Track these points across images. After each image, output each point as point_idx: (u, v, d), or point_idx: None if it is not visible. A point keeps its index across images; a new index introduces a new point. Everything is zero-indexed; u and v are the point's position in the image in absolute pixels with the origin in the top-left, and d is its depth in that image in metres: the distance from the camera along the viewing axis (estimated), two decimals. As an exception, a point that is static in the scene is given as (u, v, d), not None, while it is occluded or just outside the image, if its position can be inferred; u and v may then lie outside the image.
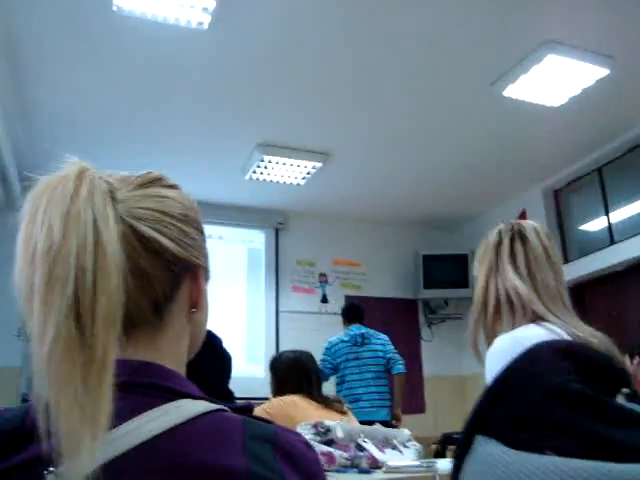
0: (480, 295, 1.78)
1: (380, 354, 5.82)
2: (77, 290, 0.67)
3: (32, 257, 0.68)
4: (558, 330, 1.57)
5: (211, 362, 3.61)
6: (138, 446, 0.71)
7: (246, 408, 0.89)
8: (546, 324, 1.60)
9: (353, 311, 6.21)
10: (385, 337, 5.97)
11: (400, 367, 5.82)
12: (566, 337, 1.55)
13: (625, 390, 0.62)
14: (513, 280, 1.71)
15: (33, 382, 0.66)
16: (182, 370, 0.91)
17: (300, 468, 0.80)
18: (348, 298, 8.15)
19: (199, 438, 0.76)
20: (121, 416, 0.72)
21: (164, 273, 0.84)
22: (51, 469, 0.67)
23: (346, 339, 5.89)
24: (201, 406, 0.79)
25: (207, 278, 0.97)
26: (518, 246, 1.78)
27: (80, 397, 0.65)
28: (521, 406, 0.59)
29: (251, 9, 4.31)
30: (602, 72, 5.05)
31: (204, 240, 0.96)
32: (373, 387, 5.71)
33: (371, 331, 5.95)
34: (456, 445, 0.62)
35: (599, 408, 0.56)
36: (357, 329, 5.95)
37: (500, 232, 1.84)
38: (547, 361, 0.62)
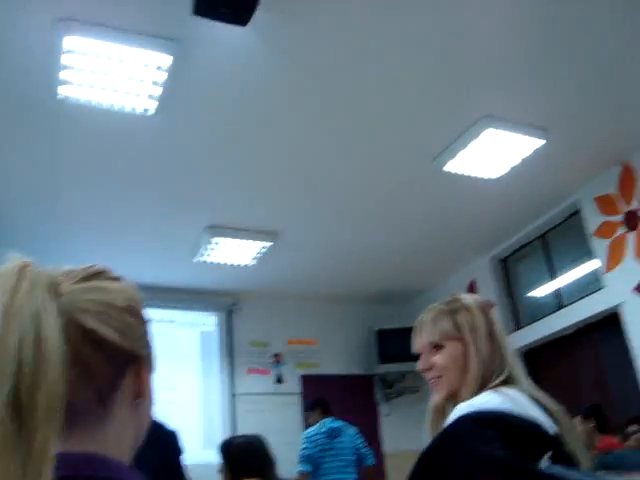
0: (443, 366, 1.83)
1: (350, 447, 6.09)
2: (17, 384, 0.66)
3: None
4: (513, 394, 1.59)
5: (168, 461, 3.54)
6: None
7: None
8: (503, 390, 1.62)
9: (322, 405, 6.34)
10: (354, 430, 6.19)
11: (370, 459, 6.14)
12: (524, 399, 1.56)
13: (548, 454, 0.64)
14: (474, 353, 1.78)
15: None
16: (126, 460, 0.89)
17: None
18: (304, 377, 8.10)
19: None
20: None
21: (107, 364, 0.85)
22: None
23: (323, 430, 6.10)
24: None
25: (151, 368, 0.97)
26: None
27: None
28: (450, 474, 0.60)
29: (196, 94, 4.40)
30: (538, 142, 5.24)
31: (147, 330, 0.96)
32: (347, 474, 6.01)
33: (342, 425, 6.17)
34: None
35: (520, 474, 0.58)
36: (330, 422, 6.16)
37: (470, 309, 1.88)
38: (473, 431, 0.63)
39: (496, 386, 1.65)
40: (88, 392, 0.83)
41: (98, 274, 0.92)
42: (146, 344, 0.94)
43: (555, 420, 1.56)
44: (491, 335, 1.78)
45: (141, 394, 0.93)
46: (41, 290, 0.74)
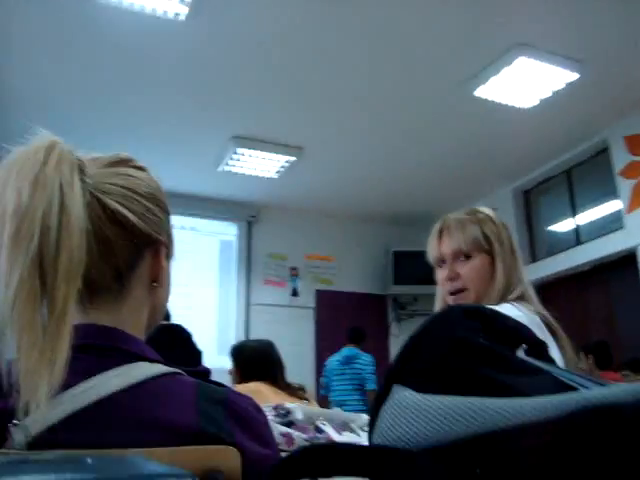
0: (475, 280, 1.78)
1: (359, 373, 6.61)
2: (41, 246, 0.73)
3: (1, 218, 0.74)
4: (526, 310, 1.62)
5: (184, 356, 3.65)
6: (97, 402, 0.76)
7: (202, 372, 0.95)
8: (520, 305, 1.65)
9: (350, 334, 6.82)
10: (368, 359, 6.67)
11: (371, 384, 6.57)
12: (535, 316, 1.60)
13: (524, 346, 0.69)
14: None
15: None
16: (141, 337, 0.96)
17: (249, 429, 0.86)
18: (318, 292, 8.22)
19: (154, 396, 0.82)
20: (82, 374, 0.78)
21: (127, 244, 0.90)
22: (15, 422, 0.73)
23: (337, 358, 6.69)
24: (157, 368, 0.85)
25: (169, 256, 1.03)
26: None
27: (39, 342, 0.71)
28: (431, 357, 0.66)
29: (230, 2, 4.34)
30: (572, 76, 5.15)
31: (168, 220, 1.01)
32: (354, 395, 6.59)
33: (357, 352, 6.66)
34: (376, 396, 0.69)
35: (499, 359, 0.63)
36: (347, 351, 6.66)
37: (501, 226, 1.84)
38: (455, 319, 0.69)
39: (513, 300, 1.67)
40: (107, 269, 0.89)
41: (124, 161, 0.97)
42: (165, 231, 0.99)
43: (561, 347, 1.61)
44: (513, 250, 1.77)
45: (157, 278, 0.98)
46: (69, 166, 0.81)
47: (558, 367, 0.66)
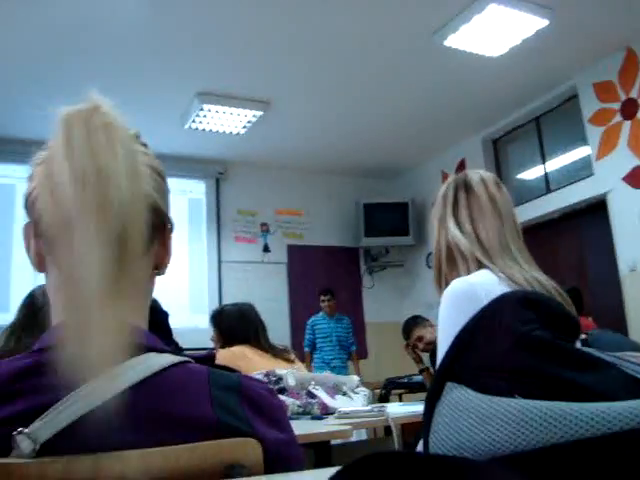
0: (434, 247, 1.81)
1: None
2: (123, 214, 0.70)
3: (81, 178, 0.69)
4: (503, 276, 1.62)
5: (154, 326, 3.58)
6: (109, 400, 0.72)
7: (208, 357, 0.91)
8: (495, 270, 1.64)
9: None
10: (347, 321, 7.43)
11: (354, 347, 7.47)
12: (510, 283, 1.59)
13: (582, 336, 0.66)
14: (454, 232, 1.74)
15: (71, 304, 0.70)
16: (146, 326, 0.91)
17: (266, 414, 0.83)
18: (290, 247, 8.21)
19: (167, 390, 0.78)
20: None
21: (148, 225, 0.84)
22: (21, 429, 0.68)
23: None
24: (167, 359, 0.80)
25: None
26: (461, 196, 1.79)
27: (119, 320, 0.69)
28: (490, 354, 0.62)
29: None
30: (542, 23, 5.11)
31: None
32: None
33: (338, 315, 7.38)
34: (427, 392, 0.65)
35: (562, 354, 0.60)
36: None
37: (448, 183, 1.86)
38: (512, 311, 0.65)
39: (486, 266, 1.67)
40: None
41: (135, 136, 0.91)
42: (169, 210, 0.94)
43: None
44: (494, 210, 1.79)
45: (162, 264, 0.94)
46: (129, 133, 0.80)
47: (619, 357, 0.63)
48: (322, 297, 7.21)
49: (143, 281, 0.90)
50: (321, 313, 7.32)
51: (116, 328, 0.68)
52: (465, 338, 0.65)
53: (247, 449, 0.78)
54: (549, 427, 0.53)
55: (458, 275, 1.68)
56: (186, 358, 0.84)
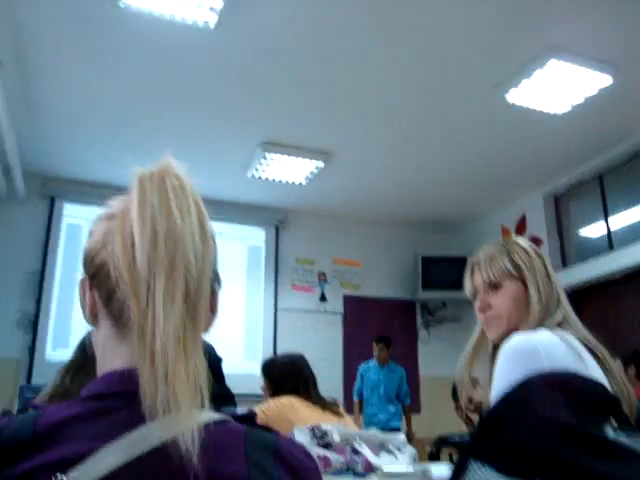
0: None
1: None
2: (192, 273, 0.75)
3: (153, 238, 0.75)
4: (567, 336, 1.58)
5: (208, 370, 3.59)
6: (148, 452, 0.73)
7: (248, 416, 0.92)
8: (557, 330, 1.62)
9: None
10: (400, 371, 7.19)
11: (407, 400, 7.17)
12: (577, 343, 1.56)
13: (613, 422, 0.65)
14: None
15: (144, 357, 0.73)
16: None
17: (299, 477, 0.83)
18: (346, 297, 8.20)
19: (204, 447, 0.78)
20: (126, 424, 0.75)
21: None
22: (61, 476, 0.70)
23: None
24: (206, 416, 0.82)
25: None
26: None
27: (191, 373, 0.73)
28: (515, 436, 0.62)
29: (257, 9, 4.33)
30: (605, 80, 5.07)
31: None
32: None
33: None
34: (453, 469, 0.65)
35: (587, 442, 0.59)
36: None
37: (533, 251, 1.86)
38: (539, 393, 0.64)
39: (553, 326, 1.64)
40: None
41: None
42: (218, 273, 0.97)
43: (604, 368, 1.56)
44: (548, 275, 1.76)
45: (209, 324, 0.96)
46: (198, 196, 0.84)
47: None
48: (375, 345, 7.04)
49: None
50: (373, 361, 7.10)
51: (192, 376, 0.73)
52: (492, 419, 0.65)
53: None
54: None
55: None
56: (225, 416, 0.85)
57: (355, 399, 7.03)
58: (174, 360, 0.71)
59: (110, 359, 0.86)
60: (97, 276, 0.85)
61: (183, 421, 0.71)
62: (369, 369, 7.07)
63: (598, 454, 0.58)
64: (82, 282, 0.90)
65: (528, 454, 0.60)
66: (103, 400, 0.77)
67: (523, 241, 1.86)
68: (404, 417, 7.11)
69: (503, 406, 0.65)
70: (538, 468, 0.59)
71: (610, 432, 0.64)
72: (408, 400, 7.16)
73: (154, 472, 0.74)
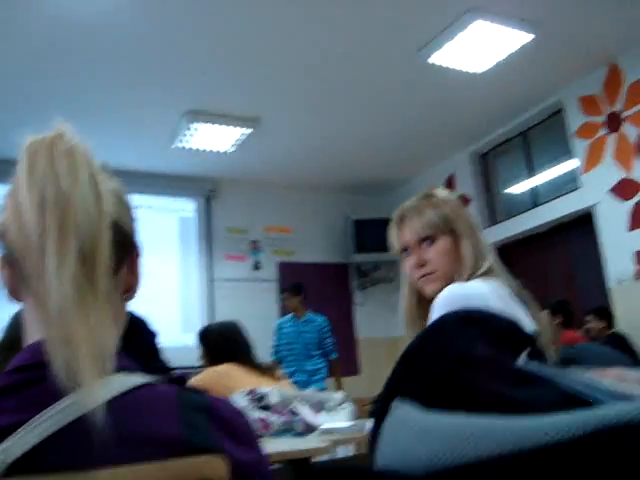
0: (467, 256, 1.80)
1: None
2: (86, 236, 0.74)
3: (41, 202, 0.73)
4: (496, 284, 1.62)
5: (141, 344, 3.59)
6: (76, 420, 0.73)
7: (179, 379, 0.92)
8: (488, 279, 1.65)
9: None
10: (321, 320, 6.54)
11: (333, 355, 6.49)
12: (505, 290, 1.60)
13: (526, 351, 0.68)
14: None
15: (46, 323, 0.72)
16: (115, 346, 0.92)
17: (233, 434, 0.83)
18: (280, 264, 8.21)
19: (135, 410, 0.78)
20: (60, 392, 0.74)
21: (114, 249, 0.84)
22: None
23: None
24: (135, 379, 0.81)
25: (140, 262, 1.00)
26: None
27: (92, 335, 0.72)
28: (432, 371, 0.63)
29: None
30: (527, 37, 5.14)
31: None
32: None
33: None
34: (374, 410, 0.66)
35: (498, 370, 0.61)
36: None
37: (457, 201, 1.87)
38: (454, 328, 0.66)
39: (481, 276, 1.67)
40: None
41: (103, 167, 0.94)
42: (136, 236, 0.96)
43: (533, 316, 1.61)
44: (473, 226, 1.78)
45: (131, 289, 0.95)
46: (91, 157, 0.81)
47: (563, 373, 0.65)
48: (282, 297, 6.59)
49: (113, 303, 0.91)
50: (290, 315, 6.49)
51: (93, 339, 0.71)
52: (410, 356, 0.67)
53: (215, 467, 0.78)
54: (479, 441, 0.54)
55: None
56: (155, 379, 0.85)
57: (272, 358, 6.31)
58: (70, 325, 0.70)
59: (31, 331, 0.85)
60: (6, 251, 0.85)
61: (87, 389, 0.70)
62: (284, 323, 6.50)
63: (511, 382, 0.60)
64: None
65: (446, 387, 0.62)
66: (27, 371, 0.76)
67: (443, 192, 1.86)
68: (333, 376, 6.48)
69: (420, 343, 0.66)
70: (457, 399, 0.60)
71: (522, 361, 0.67)
72: (334, 354, 6.43)
73: (87, 438, 0.73)
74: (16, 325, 2.32)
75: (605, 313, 5.50)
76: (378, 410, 0.66)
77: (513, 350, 0.67)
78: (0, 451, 0.69)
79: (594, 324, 5.42)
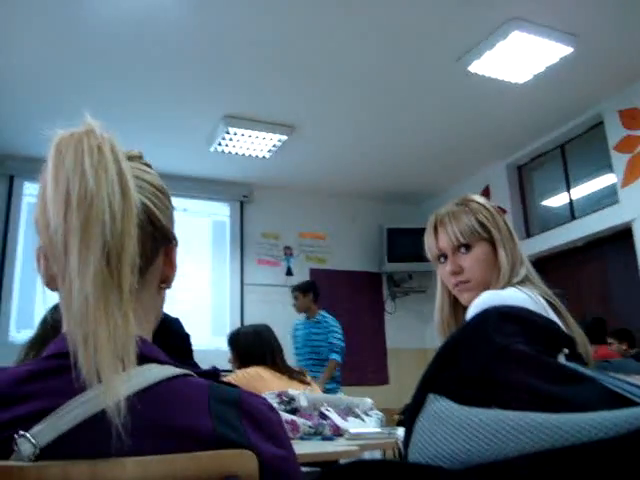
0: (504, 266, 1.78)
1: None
2: (110, 233, 0.74)
3: (66, 200, 0.73)
4: (531, 293, 1.60)
5: (173, 346, 3.59)
6: (109, 407, 0.73)
7: (212, 373, 0.92)
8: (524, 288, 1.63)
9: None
10: (329, 320, 6.24)
11: (333, 355, 6.06)
12: (541, 299, 1.58)
13: (565, 350, 0.66)
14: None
15: (69, 319, 0.72)
16: (150, 338, 0.93)
17: (264, 430, 0.83)
18: (312, 271, 8.20)
19: (166, 401, 0.78)
20: None
21: (148, 238, 0.88)
22: (23, 432, 0.70)
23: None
24: (168, 371, 0.82)
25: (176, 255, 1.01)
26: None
27: (114, 333, 0.72)
28: (470, 366, 0.62)
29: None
30: (566, 50, 5.10)
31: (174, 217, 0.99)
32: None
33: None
34: (409, 404, 0.65)
35: (540, 367, 0.60)
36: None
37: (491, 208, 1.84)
38: (494, 324, 0.65)
39: (517, 284, 1.64)
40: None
41: (138, 157, 0.95)
42: (173, 226, 0.97)
43: (566, 326, 1.59)
44: (510, 233, 1.76)
45: (168, 279, 0.96)
46: (121, 153, 0.81)
47: (604, 373, 0.63)
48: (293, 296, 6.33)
49: (147, 294, 0.92)
50: (304, 316, 6.28)
51: (113, 337, 0.71)
52: (448, 351, 0.66)
53: (243, 461, 0.78)
54: (520, 437, 0.53)
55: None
56: (188, 371, 0.85)
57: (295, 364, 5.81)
58: (90, 323, 0.70)
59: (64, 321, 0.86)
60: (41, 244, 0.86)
61: (106, 386, 0.70)
62: (298, 325, 6.32)
63: (551, 378, 0.59)
64: (37, 251, 0.90)
65: (483, 383, 0.61)
66: (62, 358, 0.77)
67: (481, 198, 1.83)
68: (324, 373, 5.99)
69: (458, 337, 0.65)
70: (494, 395, 0.59)
71: (563, 360, 0.66)
72: (333, 355, 6.00)
73: (108, 430, 0.73)
74: (50, 319, 2.35)
75: (625, 334, 5.45)
76: (412, 404, 0.65)
77: (553, 349, 0.66)
78: (32, 435, 0.70)
79: (615, 346, 5.37)
